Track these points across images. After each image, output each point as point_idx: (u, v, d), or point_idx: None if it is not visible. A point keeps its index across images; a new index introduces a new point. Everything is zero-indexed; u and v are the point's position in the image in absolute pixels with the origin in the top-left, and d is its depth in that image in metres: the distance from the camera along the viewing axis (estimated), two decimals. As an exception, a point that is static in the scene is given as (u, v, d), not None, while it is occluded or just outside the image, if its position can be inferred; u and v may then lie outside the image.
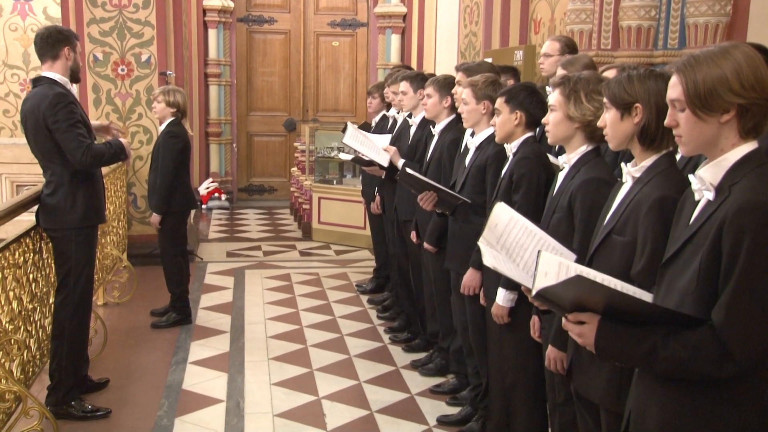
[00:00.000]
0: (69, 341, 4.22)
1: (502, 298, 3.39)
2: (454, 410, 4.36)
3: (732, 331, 1.76)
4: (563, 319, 2.06)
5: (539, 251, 2.16)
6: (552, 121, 2.90)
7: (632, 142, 2.38)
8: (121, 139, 4.44)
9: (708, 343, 1.79)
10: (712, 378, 1.82)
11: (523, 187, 3.40)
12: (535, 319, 3.11)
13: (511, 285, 3.32)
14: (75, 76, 4.27)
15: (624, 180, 2.42)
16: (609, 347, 1.94)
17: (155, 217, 5.69)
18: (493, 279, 3.48)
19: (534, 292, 2.04)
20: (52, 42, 4.15)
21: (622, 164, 2.43)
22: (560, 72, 3.92)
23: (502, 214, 2.78)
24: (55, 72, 4.17)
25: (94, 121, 4.70)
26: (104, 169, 4.60)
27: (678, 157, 2.54)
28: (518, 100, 3.45)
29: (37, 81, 4.18)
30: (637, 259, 2.24)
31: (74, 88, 4.34)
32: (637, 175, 2.35)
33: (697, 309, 1.83)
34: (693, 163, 2.68)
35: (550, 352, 2.81)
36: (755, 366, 1.78)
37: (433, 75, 5.21)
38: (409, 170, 4.23)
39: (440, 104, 4.63)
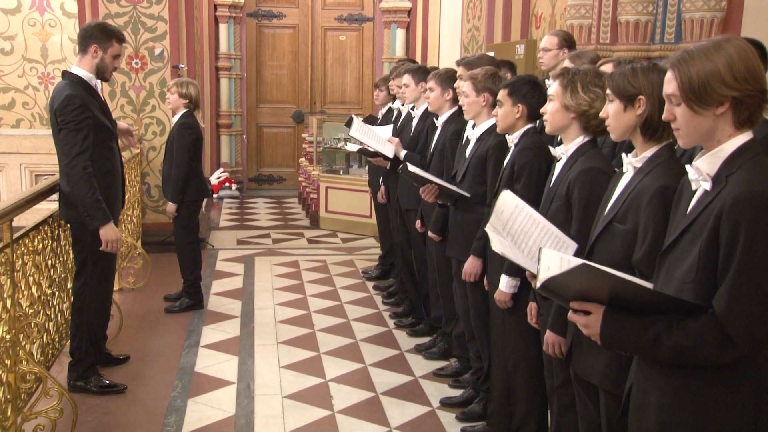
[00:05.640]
0: (88, 323, 4.33)
1: (505, 284, 3.43)
2: (456, 392, 4.43)
3: (733, 320, 1.79)
4: (569, 311, 2.06)
5: (540, 248, 2.16)
6: (550, 110, 2.95)
7: (634, 133, 2.40)
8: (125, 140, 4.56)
9: (710, 330, 1.82)
10: (714, 363, 1.85)
11: (524, 177, 3.43)
12: (532, 305, 3.13)
13: (514, 271, 3.36)
14: (101, 75, 4.26)
15: (625, 170, 2.44)
16: (614, 337, 1.96)
17: (170, 206, 5.77)
18: (496, 265, 3.52)
19: (539, 285, 2.05)
20: (84, 37, 4.20)
21: (623, 154, 2.45)
22: (567, 65, 4.00)
23: (508, 201, 2.81)
24: (81, 67, 4.19)
25: (120, 123, 4.79)
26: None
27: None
28: (521, 94, 3.48)
29: (63, 75, 4.23)
30: (638, 247, 2.27)
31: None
32: (639, 165, 2.38)
33: (695, 297, 1.87)
34: (689, 154, 2.72)
35: (548, 336, 2.84)
36: (756, 352, 1.83)
37: (435, 68, 5.24)
38: (410, 167, 4.25)
39: (442, 97, 4.70)
